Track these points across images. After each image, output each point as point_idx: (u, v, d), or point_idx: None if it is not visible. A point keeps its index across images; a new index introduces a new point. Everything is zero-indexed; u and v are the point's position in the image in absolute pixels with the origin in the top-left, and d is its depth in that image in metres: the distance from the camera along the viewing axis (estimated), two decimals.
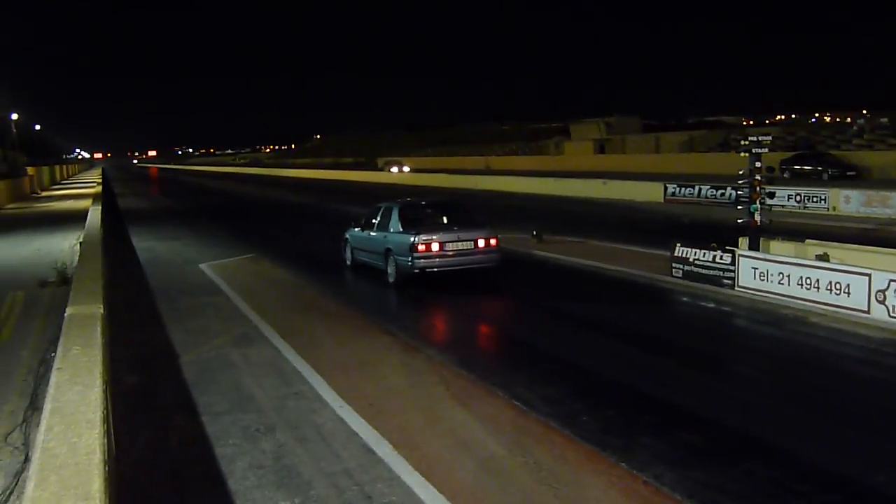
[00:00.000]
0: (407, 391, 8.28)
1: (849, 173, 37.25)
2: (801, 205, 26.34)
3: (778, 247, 13.57)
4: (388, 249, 14.39)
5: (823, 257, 12.45)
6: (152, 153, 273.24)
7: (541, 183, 42.96)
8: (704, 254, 13.40)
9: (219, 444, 6.86)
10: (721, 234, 14.25)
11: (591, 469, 6.26)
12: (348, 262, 16.74)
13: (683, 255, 13.85)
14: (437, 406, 7.77)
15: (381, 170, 71.64)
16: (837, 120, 77.23)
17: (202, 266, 17.41)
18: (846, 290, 10.96)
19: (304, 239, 24.34)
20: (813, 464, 6.37)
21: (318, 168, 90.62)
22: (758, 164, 13.05)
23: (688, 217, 25.31)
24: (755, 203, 13.03)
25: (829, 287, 11.22)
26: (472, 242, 13.87)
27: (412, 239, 13.63)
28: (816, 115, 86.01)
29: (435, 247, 13.61)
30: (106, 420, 4.74)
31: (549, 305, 12.74)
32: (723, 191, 28.71)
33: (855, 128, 52.68)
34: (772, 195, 13.58)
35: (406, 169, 69.44)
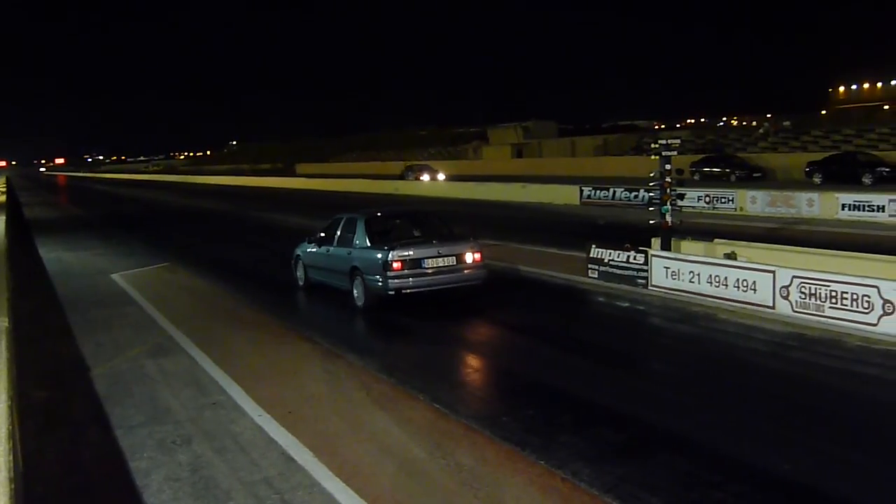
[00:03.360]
0: (327, 398, 8.22)
1: (755, 175, 38.68)
2: (711, 205, 27.22)
3: (688, 246, 13.99)
4: (355, 268, 12.46)
5: (731, 256, 12.92)
6: (60, 161, 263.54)
7: (461, 187, 43.25)
8: (619, 254, 13.73)
9: (133, 457, 6.68)
10: (635, 235, 14.61)
11: (511, 468, 6.34)
12: (301, 283, 14.64)
13: (598, 257, 14.16)
14: (358, 412, 7.75)
15: (405, 177, 53.79)
16: (744, 124, 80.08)
17: (114, 276, 16.90)
18: (753, 287, 11.39)
19: (222, 246, 23.88)
20: (725, 455, 6.61)
21: (235, 175, 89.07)
22: (668, 167, 13.44)
23: (603, 219, 25.86)
24: (666, 204, 13.42)
25: (736, 284, 11.64)
26: (455, 258, 12.16)
27: (385, 255, 11.72)
28: (724, 118, 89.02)
29: (412, 264, 11.83)
30: (12, 436, 4.57)
31: (467, 308, 12.83)
32: (636, 193, 29.42)
33: (760, 131, 54.81)
34: (681, 196, 13.98)
35: (441, 177, 53.60)
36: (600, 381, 8.87)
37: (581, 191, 33.41)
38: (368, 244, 12.33)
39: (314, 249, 13.99)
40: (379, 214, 13.90)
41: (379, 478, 6.17)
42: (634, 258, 13.42)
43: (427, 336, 11.31)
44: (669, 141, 13.67)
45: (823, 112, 67.95)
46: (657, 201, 13.63)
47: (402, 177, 54.27)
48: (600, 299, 13.45)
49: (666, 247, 13.52)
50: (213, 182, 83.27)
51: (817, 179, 34.14)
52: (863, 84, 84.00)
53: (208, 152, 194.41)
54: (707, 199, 27.52)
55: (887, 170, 32.56)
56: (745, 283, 11.49)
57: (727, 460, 6.49)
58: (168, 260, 19.52)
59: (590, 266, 14.32)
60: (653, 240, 13.98)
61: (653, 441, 7.00)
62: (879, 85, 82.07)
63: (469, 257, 12.28)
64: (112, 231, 30.12)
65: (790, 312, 10.79)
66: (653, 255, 13.19)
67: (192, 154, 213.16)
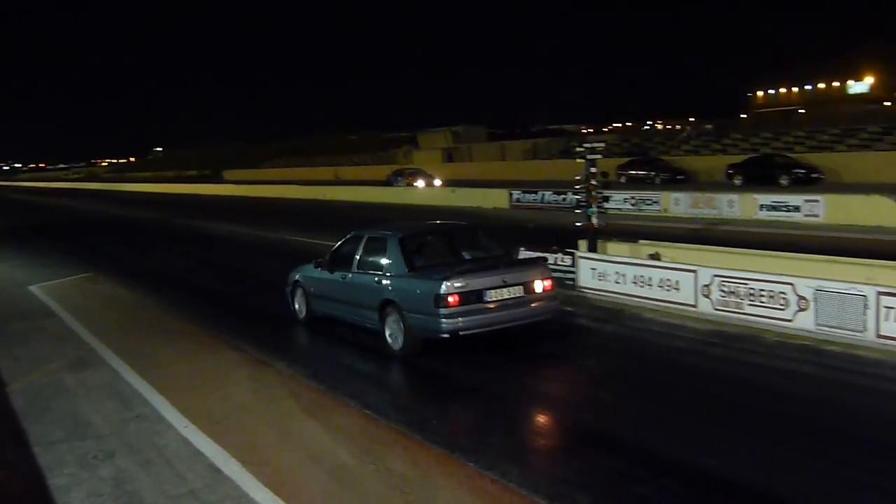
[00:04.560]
0: (255, 407, 8.12)
1: (678, 177, 39.64)
2: (636, 207, 27.80)
3: (614, 248, 14.29)
4: (388, 302, 9.84)
5: (655, 256, 13.24)
6: None
7: (391, 192, 43.20)
8: (546, 257, 13.88)
9: (53, 474, 6.48)
10: (562, 237, 14.83)
11: (441, 471, 6.37)
12: (301, 316, 12.11)
13: None
14: (287, 420, 7.68)
15: (391, 183, 48.67)
16: (668, 127, 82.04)
17: (32, 288, 16.34)
18: (676, 286, 11.68)
19: (147, 256, 23.32)
20: (651, 450, 6.75)
21: (160, 182, 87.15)
22: (593, 170, 13.69)
23: (532, 222, 26.16)
24: (592, 207, 13.67)
25: (660, 284, 11.93)
26: (523, 287, 9.64)
27: (437, 286, 9.11)
28: (650, 122, 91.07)
29: (471, 297, 9.25)
30: None
31: None
32: (564, 196, 29.85)
33: (684, 135, 56.26)
34: (607, 199, 14.25)
35: (437, 182, 47.35)
36: (529, 382, 8.98)
37: (510, 194, 33.75)
38: (407, 270, 9.79)
39: (322, 275, 11.31)
40: (415, 232, 11.09)
41: (309, 486, 6.13)
42: (562, 260, 13.61)
43: (359, 344, 11.21)
44: (594, 145, 13.94)
45: (744, 116, 70.08)
46: (583, 204, 13.87)
47: (388, 183, 48.66)
48: None
49: (592, 248, 13.77)
50: (137, 190, 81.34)
51: (737, 181, 35.18)
52: (780, 89, 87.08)
53: (132, 159, 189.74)
54: (633, 201, 28.09)
55: (802, 171, 33.81)
56: (668, 283, 11.77)
57: (653, 456, 6.63)
58: (90, 270, 18.96)
59: None
60: (580, 242, 14.22)
61: (580, 439, 7.12)
62: (795, 89, 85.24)
63: (539, 286, 9.79)
64: (30, 241, 29.13)
65: (711, 311, 11.11)
66: (580, 257, 13.41)
67: (115, 161, 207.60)
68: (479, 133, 75.31)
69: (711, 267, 11.42)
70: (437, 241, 10.82)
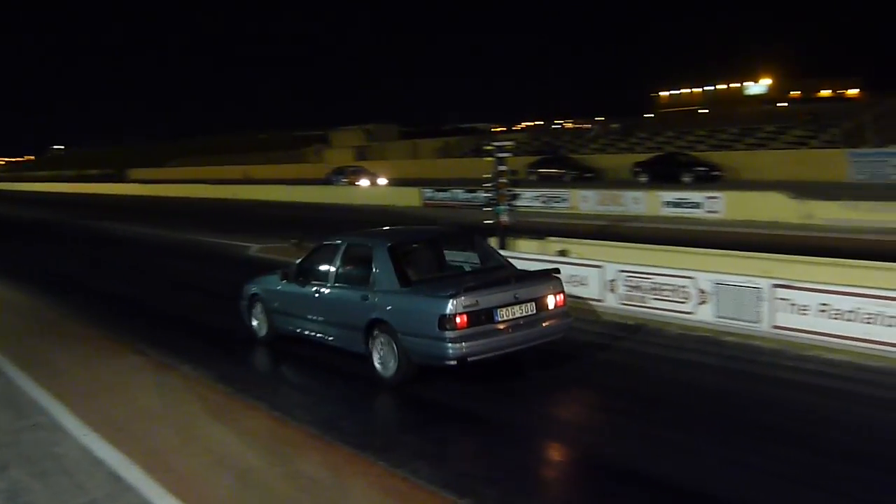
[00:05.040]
0: (160, 412, 7.90)
1: (587, 175, 40.49)
2: (546, 205, 28.30)
3: (524, 245, 14.48)
4: (378, 323, 8.49)
5: (564, 253, 13.50)
6: None
7: (303, 191, 42.69)
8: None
9: None
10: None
11: (351, 471, 6.34)
12: (260, 335, 10.65)
13: None
14: (193, 424, 7.50)
15: (332, 182, 45.66)
16: (577, 126, 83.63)
17: None
18: (584, 282, 11.94)
19: (46, 257, 22.39)
20: (554, 442, 6.89)
21: (60, 181, 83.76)
22: (502, 168, 13.85)
23: (444, 220, 26.29)
24: (501, 205, 13.82)
25: (569, 279, 12.13)
26: (536, 303, 8.51)
27: (443, 305, 7.83)
28: (559, 121, 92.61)
29: (480, 317, 7.98)
30: None
31: None
32: (475, 193, 30.13)
33: (592, 133, 57.50)
34: (516, 196, 14.43)
35: (383, 181, 44.62)
36: (436, 382, 8.99)
37: (422, 192, 33.84)
38: (400, 285, 8.45)
39: (290, 289, 9.96)
40: (405, 238, 9.63)
41: (216, 491, 6.00)
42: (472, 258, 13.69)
43: (266, 346, 11.05)
44: (503, 143, 14.10)
45: (650, 116, 72.10)
46: (493, 202, 14.01)
47: (327, 182, 45.94)
48: None
49: (502, 246, 13.91)
50: (34, 189, 77.99)
51: (643, 179, 36.18)
52: (683, 90, 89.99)
53: (30, 158, 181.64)
54: (543, 198, 28.57)
55: (704, 169, 35.06)
56: (576, 279, 12.01)
57: (557, 447, 6.78)
58: None
59: None
60: (490, 239, 14.34)
61: (488, 434, 7.19)
62: (698, 90, 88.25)
63: (551, 301, 8.70)
64: None
65: (617, 304, 11.40)
66: None
67: (11, 160, 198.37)
68: (391, 131, 75.15)
69: (617, 262, 11.71)
70: (429, 250, 9.53)
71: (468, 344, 7.84)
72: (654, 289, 10.95)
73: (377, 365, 8.60)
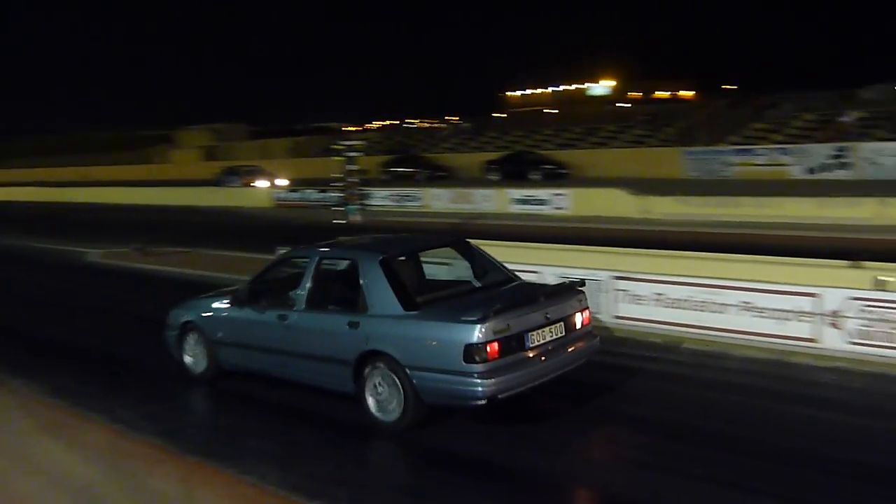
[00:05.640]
0: None
1: (440, 174, 41.03)
2: (399, 204, 28.46)
3: None
4: (375, 356, 6.93)
5: None
6: None
7: (147, 193, 40.92)
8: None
9: None
10: (327, 235, 14.79)
11: (198, 480, 6.16)
12: (199, 371, 8.70)
13: None
14: (25, 442, 7.05)
15: (222, 184, 40.21)
16: (430, 125, 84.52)
17: None
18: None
19: None
20: (412, 440, 6.94)
21: None
22: (352, 167, 13.85)
23: (297, 220, 25.93)
24: (352, 204, 13.81)
25: None
26: (564, 324, 7.21)
27: (470, 332, 6.39)
28: (412, 121, 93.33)
29: (511, 344, 6.61)
30: None
31: (152, 319, 12.16)
32: (327, 194, 29.95)
33: (444, 133, 58.30)
34: (366, 196, 14.46)
35: (283, 182, 38.97)
36: (293, 387, 8.87)
37: (273, 193, 33.24)
38: (403, 308, 6.90)
39: (241, 314, 8.16)
40: (398, 251, 7.94)
41: None
42: None
43: (107, 355, 10.51)
44: (353, 142, 14.13)
45: (501, 115, 73.78)
46: (344, 201, 13.98)
47: (216, 183, 40.91)
48: None
49: None
50: None
51: (494, 177, 37.05)
52: (532, 90, 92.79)
53: None
54: (396, 197, 28.73)
55: (551, 167, 36.38)
56: (427, 276, 12.14)
57: (411, 442, 6.84)
58: None
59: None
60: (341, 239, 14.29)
61: (339, 435, 7.16)
62: (545, 90, 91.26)
63: (578, 320, 7.43)
64: None
65: None
66: None
67: None
68: (239, 131, 73.43)
69: None
70: (426, 263, 8.32)
71: (500, 379, 6.40)
72: None
73: (372, 408, 6.99)
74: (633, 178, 29.33)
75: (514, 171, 36.63)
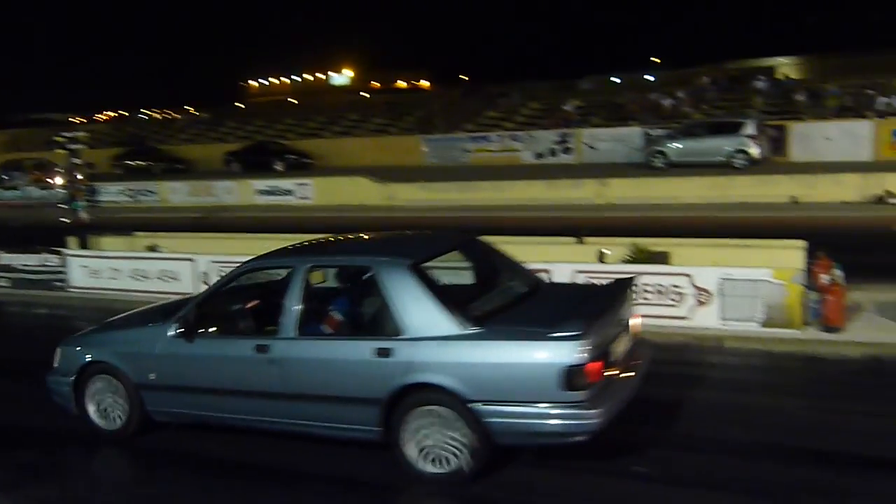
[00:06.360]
0: None
1: (178, 166, 39.04)
2: (134, 199, 26.83)
3: (110, 242, 13.54)
4: (419, 389, 5.44)
5: (154, 248, 12.89)
6: None
7: None
8: (30, 258, 12.64)
9: None
10: (49, 235, 13.58)
11: None
12: (116, 427, 6.57)
13: (7, 264, 12.87)
14: None
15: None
16: (165, 116, 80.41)
17: None
18: (176, 277, 11.54)
19: None
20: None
21: None
22: (77, 161, 12.77)
23: (17, 221, 23.53)
24: (78, 200, 12.75)
25: (160, 276, 11.66)
26: (627, 329, 6.04)
27: (572, 350, 5.06)
28: (145, 111, 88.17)
29: (607, 362, 5.39)
30: None
31: None
32: (51, 191, 27.42)
33: (181, 123, 55.64)
34: (94, 191, 13.43)
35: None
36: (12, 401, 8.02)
37: None
38: (459, 326, 5.40)
39: (194, 349, 6.23)
40: (425, 254, 6.09)
41: None
42: (49, 261, 12.47)
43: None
44: (76, 134, 13.03)
45: (241, 105, 71.82)
46: (68, 198, 12.87)
47: None
48: (15, 309, 12.24)
49: (84, 245, 12.87)
50: None
51: (236, 168, 35.96)
52: (272, 79, 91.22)
53: None
54: (129, 192, 27.06)
55: (295, 157, 35.97)
56: (168, 274, 11.58)
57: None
58: None
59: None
60: (70, 238, 13.17)
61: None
62: (286, 80, 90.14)
63: (635, 324, 6.27)
64: None
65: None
66: (69, 256, 12.43)
67: None
68: None
69: (209, 254, 11.48)
70: (450, 267, 6.61)
71: (606, 407, 5.19)
72: None
73: (412, 458, 5.47)
74: (377, 167, 29.78)
75: (256, 161, 35.74)
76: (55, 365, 6.83)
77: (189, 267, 11.35)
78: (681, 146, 24.63)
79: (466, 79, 63.86)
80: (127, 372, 6.41)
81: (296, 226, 16.97)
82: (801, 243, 9.29)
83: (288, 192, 24.44)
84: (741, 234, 11.44)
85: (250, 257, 6.67)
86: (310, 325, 5.89)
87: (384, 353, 5.45)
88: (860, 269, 8.97)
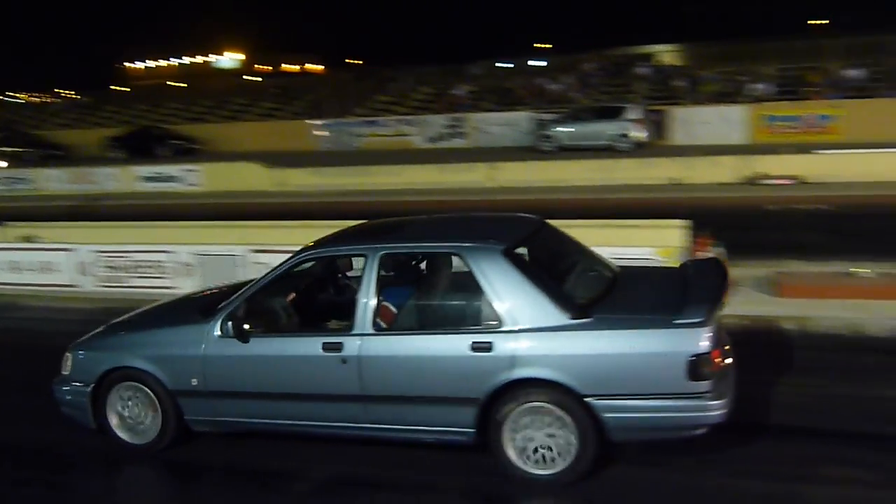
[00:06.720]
0: None
1: (55, 153, 37.29)
2: (7, 187, 25.50)
3: None
4: (521, 385, 5.04)
5: (30, 238, 12.35)
6: None
7: None
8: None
9: None
10: None
11: None
12: (149, 440, 5.94)
13: None
14: None
15: None
16: (37, 100, 76.39)
17: None
18: (55, 268, 11.09)
19: None
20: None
21: None
22: None
23: None
24: None
25: (37, 267, 11.17)
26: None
27: (696, 339, 4.80)
28: (13, 95, 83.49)
29: (721, 349, 5.14)
30: None
31: None
32: None
33: (56, 108, 53.03)
34: None
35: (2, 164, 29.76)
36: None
37: None
38: (567, 316, 5.01)
39: (236, 349, 5.59)
40: (515, 239, 5.62)
41: None
42: None
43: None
44: None
45: (123, 89, 68.94)
46: None
47: None
48: None
49: None
50: None
51: (119, 154, 34.61)
52: (154, 62, 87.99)
53: None
54: (1, 180, 25.66)
55: (180, 142, 34.91)
56: (45, 266, 11.11)
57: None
58: None
59: None
60: None
61: None
62: (169, 62, 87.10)
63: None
64: None
65: (95, 288, 10.82)
66: None
67: None
68: None
69: (91, 244, 11.07)
70: (538, 253, 5.92)
71: (729, 397, 5.01)
72: (135, 267, 10.60)
73: (516, 460, 5.14)
74: (267, 152, 29.21)
75: (139, 147, 34.49)
76: (65, 373, 6.11)
77: (68, 258, 10.91)
78: (568, 130, 25.28)
79: (357, 62, 63.40)
80: (161, 378, 5.76)
81: (181, 213, 16.53)
82: (682, 222, 9.70)
83: (174, 179, 23.68)
84: (626, 214, 11.85)
85: (302, 245, 5.90)
86: (406, 319, 5.54)
87: (482, 347, 5.05)
88: (738, 246, 9.44)
